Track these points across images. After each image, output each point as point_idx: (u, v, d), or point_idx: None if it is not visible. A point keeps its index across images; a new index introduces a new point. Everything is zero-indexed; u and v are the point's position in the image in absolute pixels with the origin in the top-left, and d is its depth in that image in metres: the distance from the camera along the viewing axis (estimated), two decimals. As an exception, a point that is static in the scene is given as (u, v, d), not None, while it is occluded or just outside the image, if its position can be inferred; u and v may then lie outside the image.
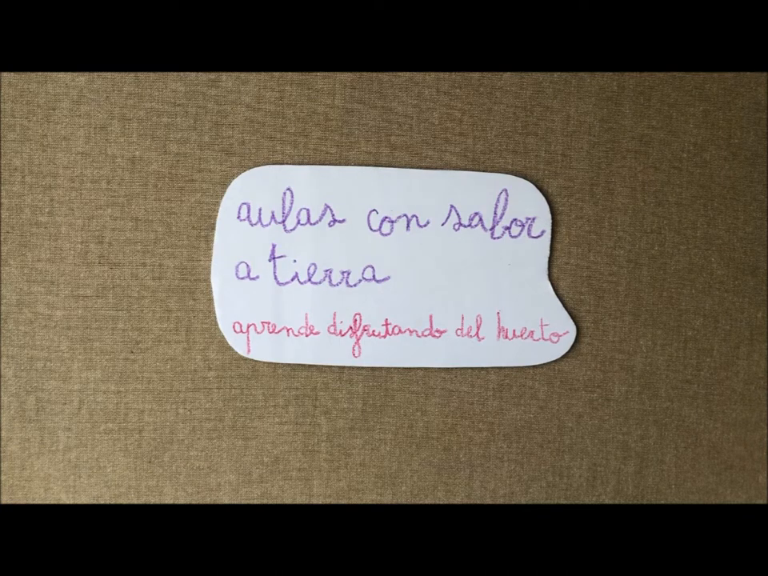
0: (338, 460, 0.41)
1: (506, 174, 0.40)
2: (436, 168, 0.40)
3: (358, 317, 0.39)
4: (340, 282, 0.39)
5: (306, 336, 0.39)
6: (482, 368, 0.41)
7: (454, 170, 0.40)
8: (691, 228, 0.42)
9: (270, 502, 0.41)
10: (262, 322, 0.39)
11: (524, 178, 0.40)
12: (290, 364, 0.40)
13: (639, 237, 0.41)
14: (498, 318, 0.40)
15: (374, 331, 0.39)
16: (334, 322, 0.39)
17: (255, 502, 0.41)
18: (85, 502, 0.40)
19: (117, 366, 0.39)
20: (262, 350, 0.39)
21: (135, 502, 0.40)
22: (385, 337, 0.39)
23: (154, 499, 0.40)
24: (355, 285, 0.39)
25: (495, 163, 0.40)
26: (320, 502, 0.41)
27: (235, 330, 0.39)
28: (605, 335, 0.42)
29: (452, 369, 0.41)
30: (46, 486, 0.40)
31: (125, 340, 0.39)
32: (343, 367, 0.40)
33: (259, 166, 0.39)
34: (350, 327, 0.39)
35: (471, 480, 0.42)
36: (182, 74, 0.38)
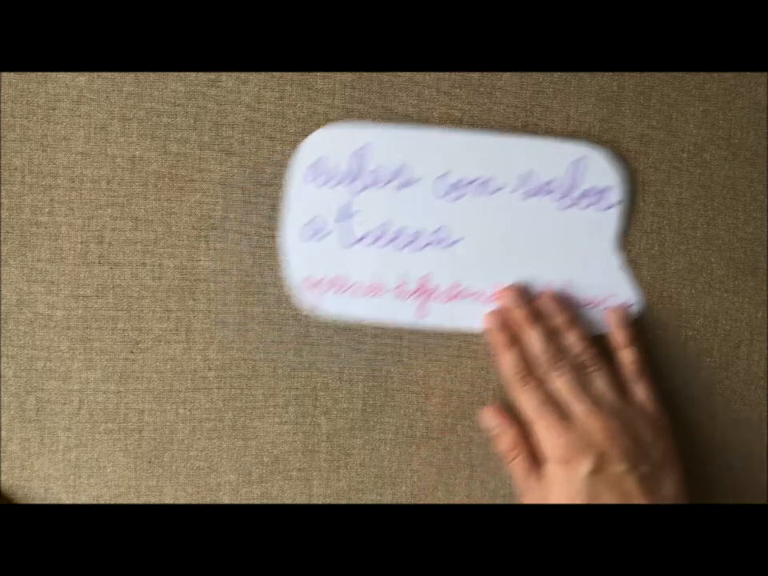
0: (338, 460, 0.41)
1: (585, 141, 0.39)
2: (512, 133, 0.40)
3: (425, 278, 0.39)
4: (409, 243, 0.38)
5: (373, 296, 0.39)
6: (482, 368, 0.41)
7: (530, 135, 0.40)
8: (691, 228, 0.42)
9: (270, 502, 0.41)
10: (330, 281, 0.39)
11: (604, 147, 0.39)
12: (289, 363, 0.40)
13: (639, 237, 0.41)
14: (566, 288, 0.40)
15: (440, 294, 0.39)
16: (402, 283, 0.39)
17: (255, 501, 0.41)
18: (85, 502, 0.40)
19: (117, 366, 0.39)
20: (329, 307, 0.39)
21: (135, 501, 0.40)
22: (451, 300, 0.39)
23: (154, 499, 0.40)
24: (424, 247, 0.39)
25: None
26: (320, 502, 0.41)
27: (303, 288, 0.39)
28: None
29: (452, 369, 0.41)
30: (45, 486, 0.40)
31: (125, 340, 0.39)
32: (343, 367, 0.40)
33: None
34: (417, 289, 0.39)
35: (471, 480, 0.42)
36: (182, 74, 0.38)
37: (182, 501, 0.40)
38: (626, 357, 0.40)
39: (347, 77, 0.39)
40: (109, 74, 0.38)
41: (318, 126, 0.39)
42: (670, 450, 0.38)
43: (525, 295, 0.39)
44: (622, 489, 0.36)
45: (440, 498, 0.42)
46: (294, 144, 0.39)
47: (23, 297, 0.39)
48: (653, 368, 0.41)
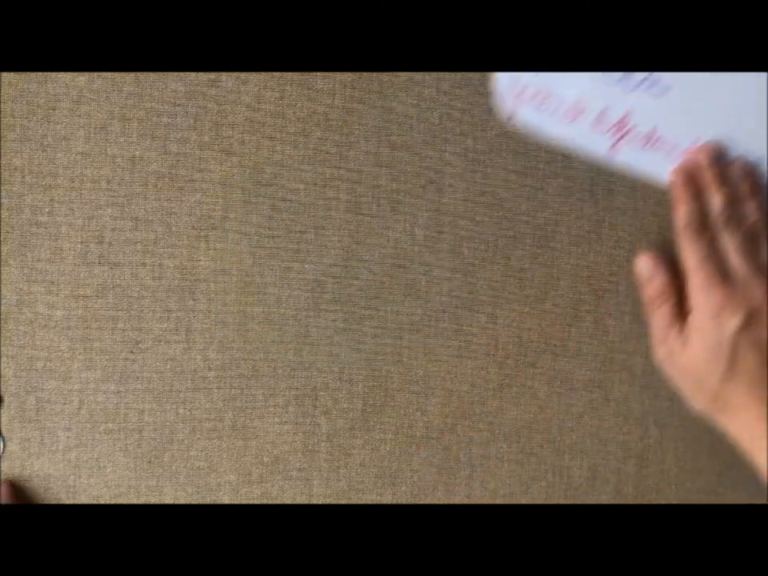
0: (338, 460, 0.41)
1: None
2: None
3: (627, 115, 0.38)
4: (622, 79, 0.38)
5: (572, 120, 0.38)
6: (482, 368, 0.41)
7: None
8: (691, 228, 0.42)
9: (270, 502, 0.41)
10: (535, 92, 0.38)
11: None
12: (289, 363, 0.40)
13: (639, 237, 0.41)
14: (758, 163, 0.40)
15: (637, 135, 0.39)
16: (603, 114, 0.38)
17: (255, 501, 0.41)
18: (85, 502, 0.40)
19: (117, 366, 0.39)
20: (526, 118, 0.39)
21: (135, 501, 0.40)
22: (645, 145, 0.39)
23: (154, 499, 0.40)
24: (636, 86, 0.38)
25: (495, 163, 0.40)
26: (320, 502, 0.41)
27: (506, 94, 0.39)
28: (605, 335, 0.42)
29: (452, 369, 0.41)
30: (45, 486, 0.40)
31: (125, 340, 0.39)
32: (343, 367, 0.40)
33: (259, 165, 0.39)
34: (617, 124, 0.38)
35: (471, 480, 0.42)
36: (182, 74, 0.38)
37: (181, 501, 0.40)
38: None
39: (347, 77, 0.39)
40: (109, 74, 0.38)
41: (317, 125, 0.39)
42: None
43: (717, 156, 0.39)
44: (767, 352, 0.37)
45: (440, 498, 0.42)
46: (294, 144, 0.39)
47: (23, 297, 0.39)
48: (653, 367, 0.41)
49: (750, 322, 0.37)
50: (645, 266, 0.40)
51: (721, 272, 0.38)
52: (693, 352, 0.38)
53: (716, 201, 0.39)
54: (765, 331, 0.37)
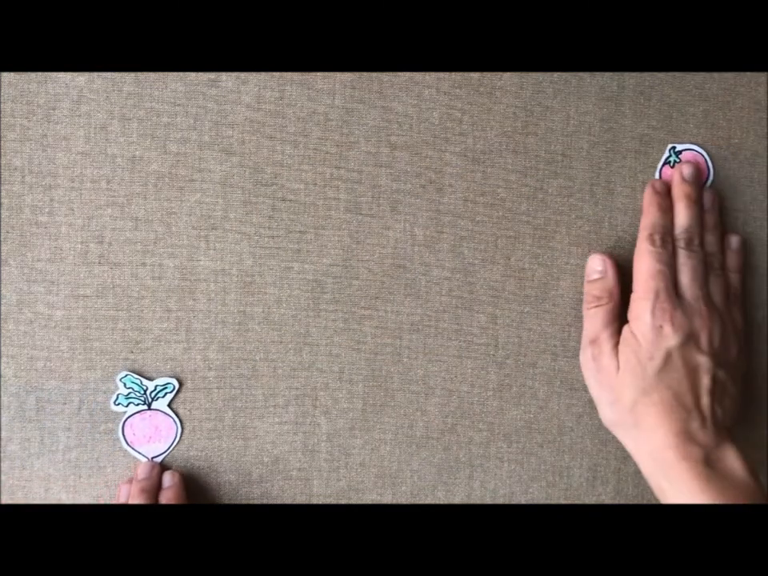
0: (338, 460, 0.41)
1: None
2: None
3: None
4: None
5: None
6: (482, 368, 0.41)
7: None
8: (691, 228, 0.42)
9: (270, 502, 0.41)
10: None
11: None
12: (289, 363, 0.40)
13: (639, 237, 0.41)
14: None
15: None
16: None
17: (255, 501, 0.41)
18: (85, 502, 0.40)
19: (117, 366, 0.39)
20: None
21: (135, 502, 0.40)
22: None
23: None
24: None
25: (495, 163, 0.40)
26: (320, 502, 0.41)
27: None
28: (605, 335, 0.42)
29: (452, 369, 0.41)
30: (46, 486, 0.40)
31: (125, 340, 0.39)
32: (343, 367, 0.40)
33: (259, 165, 0.39)
34: None
35: (471, 480, 0.42)
36: (181, 74, 0.38)
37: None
38: (734, 279, 0.41)
39: (347, 77, 0.39)
40: (109, 74, 0.38)
41: (317, 125, 0.39)
42: (740, 377, 0.40)
43: (694, 178, 0.40)
44: (694, 378, 0.37)
45: (440, 498, 0.42)
46: (294, 144, 0.39)
47: (23, 297, 0.39)
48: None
49: (686, 343, 0.37)
50: (596, 264, 0.40)
51: (669, 288, 0.38)
52: (623, 359, 0.38)
53: (681, 219, 0.39)
54: (696, 356, 0.37)
